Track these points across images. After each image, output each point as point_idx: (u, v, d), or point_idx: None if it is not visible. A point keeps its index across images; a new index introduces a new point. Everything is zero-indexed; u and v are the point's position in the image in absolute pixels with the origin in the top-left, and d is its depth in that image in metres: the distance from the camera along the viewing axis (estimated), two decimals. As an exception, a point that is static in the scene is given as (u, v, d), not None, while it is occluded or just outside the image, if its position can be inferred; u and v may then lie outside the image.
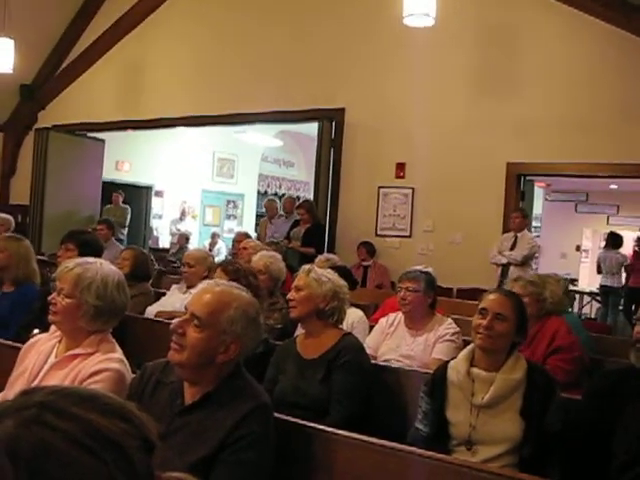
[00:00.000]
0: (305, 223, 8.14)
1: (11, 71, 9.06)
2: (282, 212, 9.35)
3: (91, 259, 2.61)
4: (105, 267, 2.55)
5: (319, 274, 3.27)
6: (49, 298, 2.47)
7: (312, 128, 9.34)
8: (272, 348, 3.35)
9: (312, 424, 2.31)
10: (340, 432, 2.25)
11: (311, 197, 9.17)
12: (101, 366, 2.37)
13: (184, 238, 11.88)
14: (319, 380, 3.01)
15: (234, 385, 2.13)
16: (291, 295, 3.26)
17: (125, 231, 11.42)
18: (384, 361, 3.73)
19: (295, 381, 3.05)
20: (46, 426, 0.79)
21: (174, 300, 5.00)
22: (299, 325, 4.40)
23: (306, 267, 3.36)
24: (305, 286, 3.21)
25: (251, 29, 9.32)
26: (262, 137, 14.40)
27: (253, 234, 9.27)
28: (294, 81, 8.92)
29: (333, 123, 8.59)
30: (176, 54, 10.17)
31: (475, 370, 2.69)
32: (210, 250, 11.19)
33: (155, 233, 14.15)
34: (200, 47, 9.87)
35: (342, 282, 3.34)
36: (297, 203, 8.90)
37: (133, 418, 0.86)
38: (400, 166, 8.22)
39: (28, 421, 0.80)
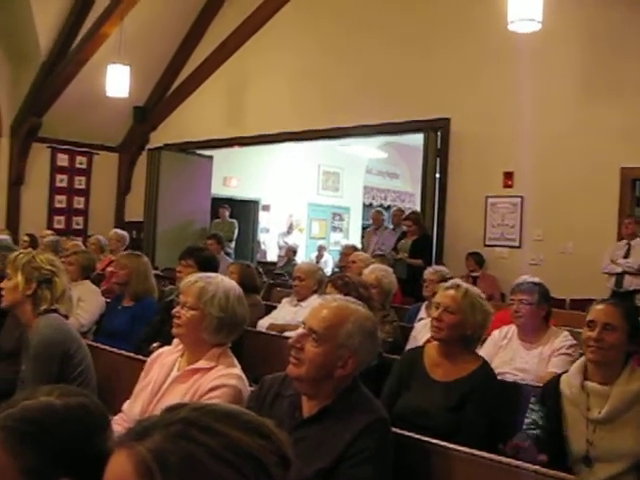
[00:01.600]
0: (412, 235, 8.10)
1: (127, 95, 9.52)
2: (387, 224, 9.34)
3: (212, 274, 2.71)
4: (226, 281, 2.65)
5: (473, 297, 3.03)
6: (173, 311, 2.56)
7: (416, 139, 9.30)
8: (385, 361, 3.34)
9: (431, 440, 2.29)
10: (460, 448, 2.22)
11: (417, 208, 9.12)
12: (219, 382, 2.43)
13: (291, 251, 12.04)
14: (449, 407, 2.83)
15: (351, 399, 2.14)
16: (439, 315, 2.99)
17: (233, 245, 11.68)
18: (498, 374, 3.66)
19: (420, 402, 2.88)
20: (192, 441, 0.84)
21: (285, 313, 5.09)
22: (411, 338, 4.40)
23: (458, 284, 3.10)
24: (457, 310, 2.96)
25: (353, 42, 9.39)
26: (366, 149, 14.45)
27: (359, 246, 9.30)
28: (398, 92, 8.91)
29: (438, 133, 8.53)
30: (279, 71, 10.37)
31: (589, 384, 2.59)
32: (317, 263, 11.30)
33: (263, 247, 14.41)
34: (303, 62, 10.03)
35: (490, 308, 3.10)
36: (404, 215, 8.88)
37: (271, 435, 0.89)
38: (508, 175, 8.06)
39: (175, 436, 0.84)
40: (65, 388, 1.20)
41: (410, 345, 4.17)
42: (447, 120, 8.48)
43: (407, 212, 9.05)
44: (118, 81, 9.33)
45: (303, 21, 10.08)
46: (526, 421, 2.70)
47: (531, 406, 2.73)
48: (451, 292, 3.02)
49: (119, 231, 8.30)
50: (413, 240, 8.04)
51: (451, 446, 2.24)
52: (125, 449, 0.85)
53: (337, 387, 2.14)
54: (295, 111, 10.10)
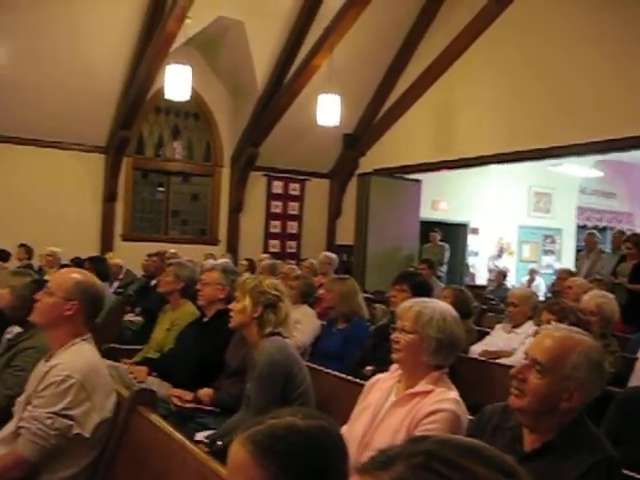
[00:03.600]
0: (632, 258, 7.60)
1: (337, 124, 9.86)
2: (603, 246, 8.86)
3: (426, 299, 2.73)
4: (441, 304, 2.66)
5: None
6: (392, 336, 2.60)
7: (634, 155, 8.71)
8: (607, 394, 3.15)
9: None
10: None
11: (637, 230, 8.54)
12: (438, 406, 2.42)
13: (502, 275, 11.74)
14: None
15: (577, 434, 2.04)
16: None
17: (444, 269, 11.62)
18: None
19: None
20: (435, 474, 0.84)
21: (498, 339, 4.98)
22: (635, 370, 4.11)
23: None
24: None
25: (561, 57, 9.01)
26: (579, 168, 13.79)
27: (573, 270, 8.89)
28: (610, 108, 8.41)
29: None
30: (486, 91, 10.20)
31: None
32: (528, 287, 10.92)
33: (472, 270, 14.20)
34: (510, 81, 9.78)
35: None
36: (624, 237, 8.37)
37: (515, 473, 0.88)
38: None
39: (418, 467, 0.85)
40: (308, 411, 1.26)
41: (636, 379, 3.89)
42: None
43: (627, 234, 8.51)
44: (329, 110, 9.68)
45: (509, 39, 9.84)
46: None
47: None
48: None
49: (329, 254, 8.56)
50: (634, 264, 7.53)
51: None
52: (370, 477, 0.88)
53: (561, 421, 2.04)
54: (503, 132, 9.88)
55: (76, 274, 2.77)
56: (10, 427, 2.67)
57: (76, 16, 9.34)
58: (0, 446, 2.64)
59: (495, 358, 4.59)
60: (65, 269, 2.93)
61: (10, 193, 10.26)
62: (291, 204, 12.78)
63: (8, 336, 3.74)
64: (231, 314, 3.29)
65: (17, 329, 3.62)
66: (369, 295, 7.99)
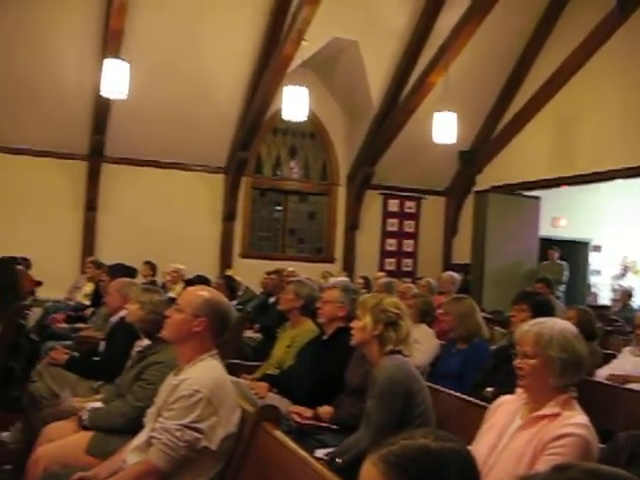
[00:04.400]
0: None
1: (454, 141, 9.78)
2: None
3: (543, 319, 2.64)
4: (559, 322, 2.57)
5: None
6: (514, 363, 2.53)
7: None
8: None
9: None
10: None
11: None
12: (567, 430, 2.34)
13: (627, 295, 11.21)
14: None
15: None
16: None
17: (563, 288, 11.23)
18: None
19: None
20: None
21: (626, 363, 4.77)
22: None
23: None
24: None
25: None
26: None
27: None
28: None
29: None
30: (609, 103, 9.86)
31: None
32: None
33: (593, 290, 13.66)
34: (635, 92, 9.41)
35: None
36: None
37: None
38: None
39: None
40: (440, 433, 1.26)
41: None
42: None
43: None
44: (445, 128, 9.62)
45: (632, 47, 9.48)
46: None
47: None
48: None
49: (452, 273, 8.46)
50: None
51: None
52: None
53: None
54: (629, 145, 9.49)
55: (204, 292, 2.87)
56: (142, 437, 2.80)
57: (201, 49, 9.76)
58: (134, 454, 2.77)
59: (623, 383, 4.39)
60: (194, 287, 3.04)
61: (135, 212, 10.79)
62: (407, 222, 12.75)
63: (138, 348, 3.92)
64: (352, 332, 3.32)
65: (146, 341, 3.78)
66: (487, 314, 7.83)
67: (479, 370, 4.48)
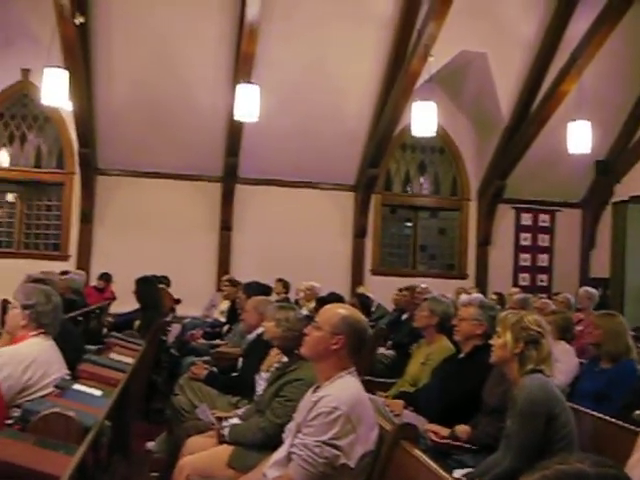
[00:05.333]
0: None
1: (589, 151, 9.41)
2: None
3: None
4: None
5: None
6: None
7: None
8: None
9: None
10: None
11: None
12: None
13: None
14: None
15: None
16: None
17: None
18: None
19: None
20: None
21: None
22: None
23: None
24: None
25: None
26: None
27: None
28: None
29: None
30: None
31: None
32: None
33: None
34: None
35: None
36: None
37: None
38: None
39: None
40: (596, 458, 1.20)
41: None
42: None
43: None
44: (579, 137, 9.27)
45: None
46: None
47: None
48: None
49: (589, 289, 8.10)
50: None
51: None
52: None
53: None
54: None
55: (342, 309, 2.89)
56: (281, 452, 2.84)
57: (328, 69, 9.94)
58: (273, 469, 2.82)
59: None
60: (332, 304, 3.07)
61: (268, 231, 11.08)
62: (541, 236, 12.36)
63: (276, 365, 4.00)
64: (491, 349, 3.24)
65: (284, 358, 3.85)
66: (633, 333, 7.43)
67: (627, 391, 4.25)
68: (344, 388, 2.72)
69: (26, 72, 10.88)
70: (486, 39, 10.05)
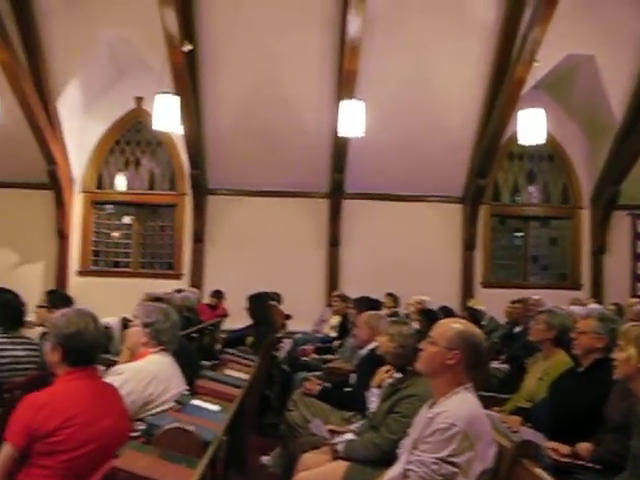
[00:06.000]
0: None
1: None
2: None
3: None
4: None
5: None
6: None
7: None
8: None
9: None
10: None
11: None
12: None
13: None
14: None
15: None
16: None
17: None
18: None
19: None
20: None
21: None
22: None
23: None
24: None
25: None
26: None
27: None
28: None
29: None
30: None
31: None
32: None
33: None
34: None
35: None
36: None
37: None
38: None
39: None
40: None
41: None
42: None
43: None
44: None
45: None
46: None
47: None
48: None
49: None
50: None
51: None
52: None
53: None
54: None
55: (457, 324, 2.85)
56: (397, 468, 2.82)
57: (431, 80, 9.88)
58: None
59: None
60: (447, 319, 3.03)
61: (375, 245, 11.11)
62: (660, 244, 11.80)
63: (389, 380, 3.98)
64: (614, 364, 3.11)
65: (395, 374, 3.83)
66: None
67: None
68: (460, 404, 2.68)
69: (139, 100, 11.41)
70: (592, 41, 9.72)
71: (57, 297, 4.97)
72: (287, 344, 7.77)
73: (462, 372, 2.75)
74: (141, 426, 3.05)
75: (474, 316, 6.92)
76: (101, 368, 3.37)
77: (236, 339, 7.54)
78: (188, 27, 9.22)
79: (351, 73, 9.13)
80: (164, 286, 9.55)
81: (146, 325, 3.54)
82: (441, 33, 9.55)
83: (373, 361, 4.41)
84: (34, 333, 5.11)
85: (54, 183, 11.02)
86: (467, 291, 11.27)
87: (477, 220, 11.40)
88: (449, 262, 11.36)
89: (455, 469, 2.58)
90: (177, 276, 11.48)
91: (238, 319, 8.47)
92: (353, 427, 3.93)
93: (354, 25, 8.61)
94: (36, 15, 9.59)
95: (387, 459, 3.16)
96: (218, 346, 8.10)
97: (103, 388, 2.89)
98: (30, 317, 5.00)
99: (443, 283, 10.99)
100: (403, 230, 11.22)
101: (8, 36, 9.00)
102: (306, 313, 10.22)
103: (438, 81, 9.97)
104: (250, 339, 6.94)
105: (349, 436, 3.74)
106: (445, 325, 2.86)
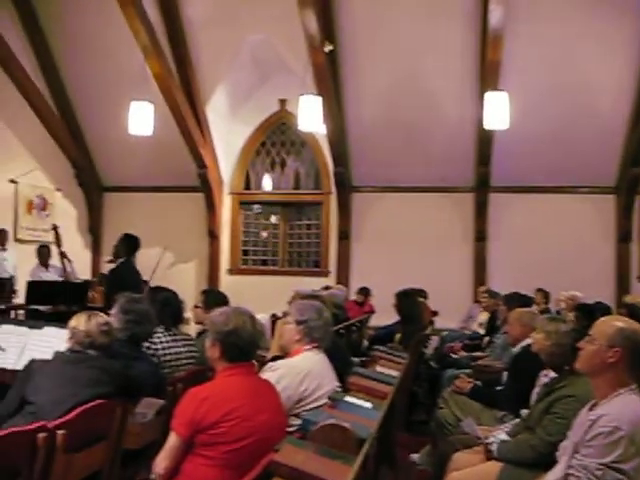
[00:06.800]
0: None
1: None
2: None
3: None
4: None
5: None
6: None
7: None
8: None
9: None
10: None
11: None
12: None
13: None
14: None
15: None
16: None
17: None
18: None
19: None
20: None
21: None
22: None
23: None
24: None
25: None
26: None
27: None
28: None
29: None
30: None
31: None
32: None
33: None
34: None
35: None
36: None
37: None
38: None
39: None
40: None
41: None
42: None
43: None
44: None
45: None
46: None
47: None
48: None
49: None
50: None
51: None
52: None
53: None
54: None
55: (619, 321, 2.72)
56: (557, 472, 2.73)
57: (579, 66, 9.48)
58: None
59: None
60: (608, 317, 2.90)
61: (523, 239, 10.79)
62: None
63: (544, 380, 3.85)
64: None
65: (552, 374, 3.70)
66: None
67: None
68: (624, 406, 2.54)
69: (283, 102, 11.68)
70: None
71: (212, 296, 5.17)
72: (435, 341, 7.71)
73: (624, 371, 2.60)
74: (297, 421, 3.13)
75: (634, 312, 6.51)
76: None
77: (384, 335, 7.58)
78: (328, 27, 9.33)
79: (494, 64, 8.89)
80: (311, 283, 9.76)
81: (299, 322, 3.62)
82: (586, 17, 9.09)
83: (527, 359, 4.25)
84: (191, 330, 5.37)
85: (205, 186, 11.50)
86: (622, 286, 10.68)
87: (632, 211, 10.78)
88: (602, 256, 10.81)
89: (621, 476, 2.46)
90: (324, 273, 11.65)
91: (384, 316, 8.50)
92: (506, 427, 3.84)
93: (495, 14, 8.37)
94: (184, 25, 10.05)
95: (544, 461, 3.07)
96: (365, 343, 8.17)
97: (260, 384, 3.00)
98: (187, 314, 5.24)
99: (595, 278, 10.45)
100: (551, 223, 10.80)
101: (160, 49, 9.48)
102: (452, 309, 10.11)
103: (585, 66, 9.49)
104: (398, 336, 6.95)
105: (503, 436, 3.65)
106: (605, 322, 2.73)
